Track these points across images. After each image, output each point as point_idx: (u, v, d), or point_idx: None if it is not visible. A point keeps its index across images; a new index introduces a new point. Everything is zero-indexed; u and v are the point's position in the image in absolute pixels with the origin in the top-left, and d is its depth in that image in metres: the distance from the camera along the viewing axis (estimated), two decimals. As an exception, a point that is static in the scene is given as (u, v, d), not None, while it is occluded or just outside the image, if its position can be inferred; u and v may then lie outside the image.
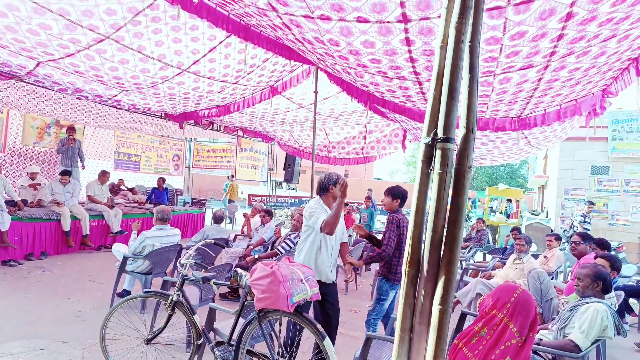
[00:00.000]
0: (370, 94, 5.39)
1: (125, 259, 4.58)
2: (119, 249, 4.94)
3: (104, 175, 8.26)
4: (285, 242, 4.96)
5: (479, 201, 22.96)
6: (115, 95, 6.62)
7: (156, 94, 6.51)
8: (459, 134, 1.16)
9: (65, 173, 7.45)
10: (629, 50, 3.61)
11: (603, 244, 5.14)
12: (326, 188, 3.46)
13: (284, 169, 12.63)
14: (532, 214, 14.27)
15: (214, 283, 2.80)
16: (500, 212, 14.60)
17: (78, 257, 7.05)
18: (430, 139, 1.15)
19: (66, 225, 6.95)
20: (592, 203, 9.50)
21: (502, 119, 5.63)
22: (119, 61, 5.06)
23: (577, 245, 4.94)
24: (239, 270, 2.72)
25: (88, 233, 7.45)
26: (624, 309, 5.59)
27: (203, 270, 3.27)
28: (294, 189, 25.25)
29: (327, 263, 3.31)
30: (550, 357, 2.74)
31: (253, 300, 2.52)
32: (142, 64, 5.17)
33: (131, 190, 11.08)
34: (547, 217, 13.33)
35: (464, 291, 4.86)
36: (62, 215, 6.91)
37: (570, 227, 9.50)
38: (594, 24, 2.94)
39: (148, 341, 3.00)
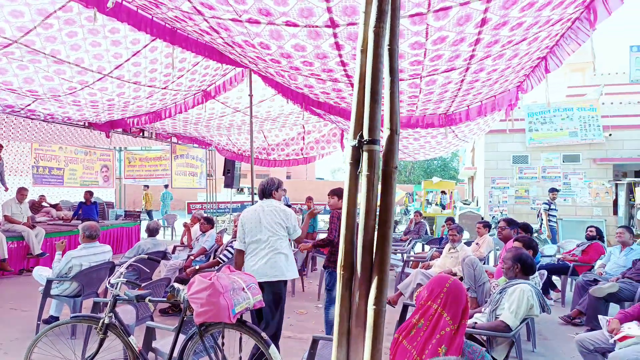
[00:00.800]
0: (306, 95, 5.42)
1: (49, 282, 4.21)
2: (41, 273, 4.52)
3: (21, 193, 7.54)
4: (227, 250, 4.83)
5: (417, 194, 24.03)
6: (29, 105, 6.07)
7: (76, 102, 6.05)
8: (383, 135, 1.19)
9: (-25, 193, 6.70)
10: (538, 50, 3.95)
11: (526, 228, 5.58)
12: (269, 193, 3.59)
13: (223, 174, 12.32)
14: (464, 204, 15.17)
15: (150, 300, 2.65)
16: (436, 204, 15.37)
17: (-5, 284, 6.37)
18: (356, 141, 1.17)
19: (-21, 250, 6.26)
20: (555, 190, 9.23)
21: (431, 115, 5.91)
22: (29, 61, 4.62)
23: (502, 230, 5.34)
24: (176, 284, 2.60)
25: (6, 257, 6.76)
26: (548, 286, 6.12)
27: (137, 288, 3.08)
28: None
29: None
30: (484, 338, 2.91)
31: (192, 314, 2.41)
32: (57, 65, 4.77)
33: (55, 206, 10.23)
34: (477, 205, 14.24)
35: (405, 283, 5.04)
36: (-27, 240, 6.21)
37: (538, 216, 9.54)
38: (506, 28, 3.17)
39: (79, 370, 2.77)
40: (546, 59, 4.19)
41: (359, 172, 1.16)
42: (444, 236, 9.00)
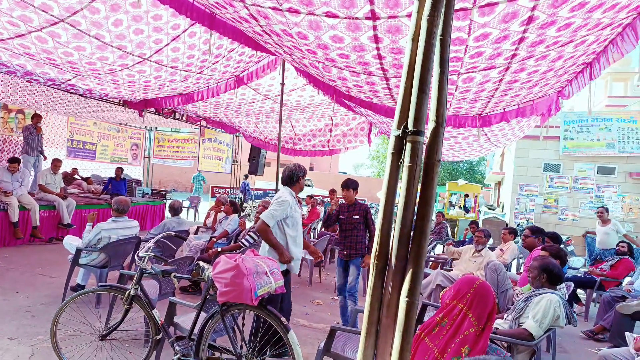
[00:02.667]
0: (337, 88, 5.39)
1: (78, 251, 4.36)
2: (71, 242, 4.69)
3: (55, 164, 7.82)
4: (250, 235, 4.89)
5: (440, 196, 23.69)
6: (69, 80, 6.27)
7: (114, 80, 6.22)
8: (428, 127, 1.17)
9: (14, 160, 6.98)
10: (584, 55, 3.80)
11: (555, 237, 5.43)
12: (296, 179, 3.53)
13: (248, 161, 12.46)
14: (489, 209, 14.86)
15: (175, 276, 2.72)
16: (460, 207, 15.10)
17: (27, 249, 6.65)
18: (400, 131, 1.15)
19: (14, 215, 6.54)
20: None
21: (464, 116, 5.79)
22: (74, 47, 4.79)
23: (525, 238, 5.23)
24: (202, 263, 2.65)
25: (38, 224, 7.04)
26: (572, 299, 5.96)
27: (163, 263, 3.16)
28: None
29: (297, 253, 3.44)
30: (505, 345, 2.86)
31: (215, 293, 2.46)
32: (99, 52, 4.92)
33: (86, 180, 10.57)
34: (502, 211, 13.92)
35: (424, 283, 4.98)
36: (10, 205, 6.48)
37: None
38: (553, 28, 3.06)
39: (103, 337, 2.87)
40: (592, 64, 4.03)
41: (401, 163, 1.15)
42: (466, 239, 8.85)
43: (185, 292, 5.07)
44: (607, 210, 7.68)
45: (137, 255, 2.85)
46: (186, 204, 12.96)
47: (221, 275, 2.40)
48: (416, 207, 1.13)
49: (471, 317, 1.60)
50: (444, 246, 9.10)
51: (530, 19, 2.91)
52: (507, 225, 10.74)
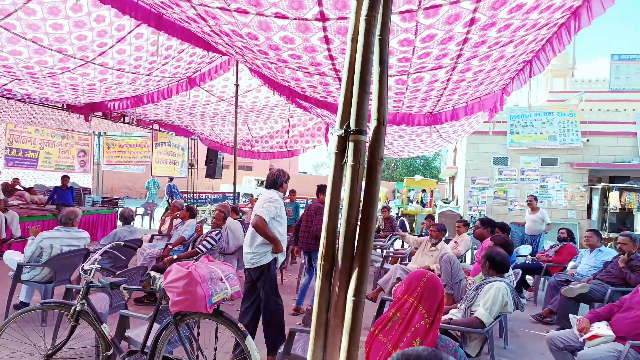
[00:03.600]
0: (292, 88, 5.37)
1: (20, 267, 4.08)
2: (12, 257, 4.38)
3: (-7, 175, 7.28)
4: (207, 240, 4.78)
5: (398, 192, 24.23)
6: (5, 84, 5.85)
7: (55, 84, 5.87)
8: (370, 126, 1.18)
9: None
10: (524, 54, 4.00)
11: (503, 227, 5.70)
12: (280, 183, 3.75)
13: (205, 164, 12.17)
14: (444, 202, 15.37)
15: (125, 288, 2.60)
16: (417, 202, 15.53)
17: (-37, 268, 6.13)
18: (343, 131, 1.15)
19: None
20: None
21: (417, 114, 5.95)
22: (9, 52, 4.49)
23: (476, 229, 5.47)
24: (152, 272, 2.55)
25: (-25, 240, 6.53)
26: (521, 285, 6.27)
27: (112, 275, 3.02)
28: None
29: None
30: (459, 334, 2.96)
31: (168, 303, 2.37)
32: (37, 56, 4.64)
33: (29, 190, 9.91)
34: (457, 204, 14.44)
35: (385, 278, 5.07)
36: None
37: None
38: (494, 29, 3.20)
39: (48, 357, 2.69)
40: (531, 62, 4.24)
41: (344, 162, 1.15)
42: (423, 233, 9.09)
43: (141, 303, 4.87)
44: (535, 198, 8.23)
45: (82, 269, 2.70)
46: (140, 211, 12.47)
47: (173, 284, 2.32)
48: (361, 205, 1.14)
49: (422, 310, 1.63)
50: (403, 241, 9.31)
51: (473, 21, 3.02)
52: (461, 217, 11.15)
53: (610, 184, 10.72)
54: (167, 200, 13.56)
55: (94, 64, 5.11)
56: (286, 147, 10.80)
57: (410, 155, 10.42)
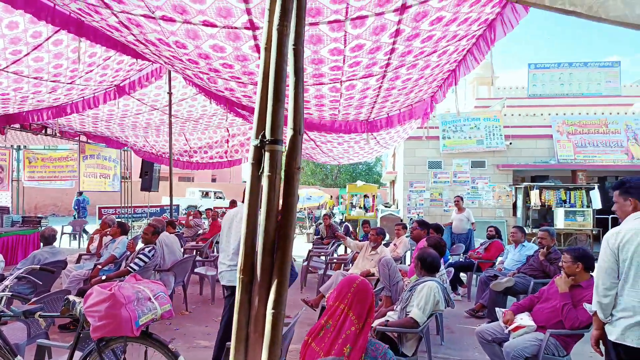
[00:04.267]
0: (228, 98, 5.28)
1: None
2: None
3: None
4: (139, 258, 4.52)
5: (342, 197, 24.61)
6: None
7: (-40, 93, 5.31)
8: (287, 136, 1.17)
9: None
10: (448, 63, 4.25)
11: (437, 228, 5.96)
12: None
13: (140, 177, 11.58)
14: (385, 206, 15.84)
15: (40, 316, 2.37)
16: (360, 207, 15.85)
17: None
18: (258, 141, 1.14)
19: None
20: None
21: (353, 121, 6.09)
22: None
23: (413, 230, 5.69)
24: (71, 297, 2.35)
25: None
26: (456, 283, 6.59)
27: (31, 301, 2.76)
28: (220, 197, 23.31)
29: None
30: (396, 335, 3.04)
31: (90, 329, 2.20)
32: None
33: None
34: (397, 208, 14.94)
35: (327, 285, 5.09)
36: None
37: None
38: (418, 40, 3.36)
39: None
40: (455, 71, 4.51)
41: (261, 173, 1.13)
42: (359, 238, 9.26)
43: (66, 330, 4.49)
44: (462, 199, 8.79)
45: (-10, 297, 2.44)
46: (68, 229, 11.58)
47: (94, 308, 2.15)
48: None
49: (352, 317, 1.65)
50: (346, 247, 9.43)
51: (398, 32, 3.16)
52: (401, 220, 11.54)
53: (532, 183, 11.64)
54: (74, 216, 12.78)
55: (7, 72, 4.69)
56: (226, 157, 10.58)
57: (351, 162, 10.63)
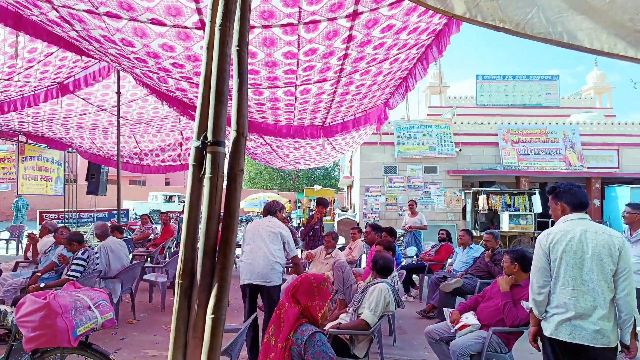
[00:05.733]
0: (180, 99, 5.14)
1: None
2: None
3: None
4: (75, 263, 4.27)
5: (299, 202, 24.62)
6: None
7: None
8: (230, 137, 1.16)
9: None
10: (399, 71, 4.38)
11: (391, 232, 6.10)
12: (273, 212, 4.20)
13: (86, 180, 11.00)
14: (342, 210, 16.01)
15: (-35, 329, 2.19)
16: (317, 211, 15.89)
17: None
18: (200, 142, 1.12)
19: None
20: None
21: (309, 126, 6.13)
22: None
23: (367, 234, 5.78)
24: (2, 307, 2.19)
25: None
26: (409, 284, 6.77)
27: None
28: (184, 202, 22.42)
29: None
30: (348, 337, 3.07)
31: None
32: None
33: None
34: (354, 212, 15.15)
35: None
36: None
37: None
38: (370, 46, 3.44)
39: None
40: (407, 79, 4.65)
41: (202, 175, 1.11)
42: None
43: (1, 342, 4.17)
44: (415, 203, 9.10)
45: None
46: (6, 235, 10.76)
47: (27, 318, 2.02)
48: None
49: (285, 304, 1.67)
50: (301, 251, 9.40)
51: (350, 38, 3.22)
52: (357, 224, 11.70)
53: (480, 189, 12.22)
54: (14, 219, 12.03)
55: None
56: (179, 161, 10.27)
57: (307, 167, 10.67)
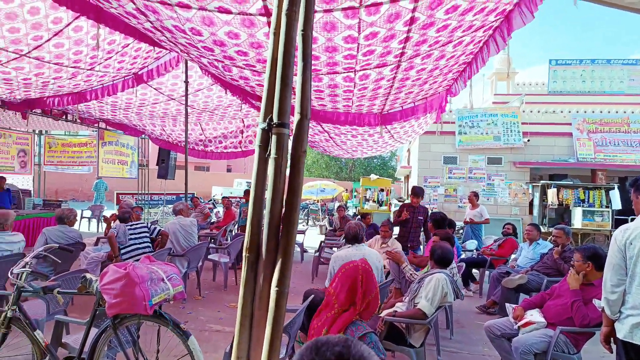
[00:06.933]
0: (243, 88, 5.31)
1: (-57, 275, 3.77)
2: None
3: None
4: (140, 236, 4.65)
5: (356, 191, 24.60)
6: None
7: (-15, 78, 5.48)
8: (294, 120, 1.20)
9: None
10: (463, 55, 4.19)
11: (451, 224, 5.94)
12: (360, 238, 4.02)
13: (157, 165, 11.77)
14: (399, 201, 15.77)
15: (58, 292, 2.47)
16: (373, 201, 15.82)
17: None
18: (266, 124, 1.16)
19: None
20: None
21: (367, 114, 6.07)
22: None
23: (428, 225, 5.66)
24: (88, 275, 2.44)
25: None
26: (468, 278, 6.56)
27: (50, 279, 2.87)
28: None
29: None
30: (404, 326, 3.05)
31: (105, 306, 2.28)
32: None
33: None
34: (411, 203, 14.86)
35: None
36: None
37: None
38: (433, 29, 3.32)
39: (-26, 369, 2.51)
40: (471, 64, 4.44)
41: (268, 155, 1.16)
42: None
43: None
44: (476, 195, 8.68)
45: (11, 272, 2.54)
46: (87, 214, 11.88)
47: (110, 286, 2.23)
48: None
49: (334, 301, 1.67)
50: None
51: (412, 20, 3.13)
52: (389, 221, 11.43)
53: (549, 182, 11.43)
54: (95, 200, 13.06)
55: (29, 57, 4.82)
56: (240, 148, 10.66)
57: (364, 155, 10.60)
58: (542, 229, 8.48)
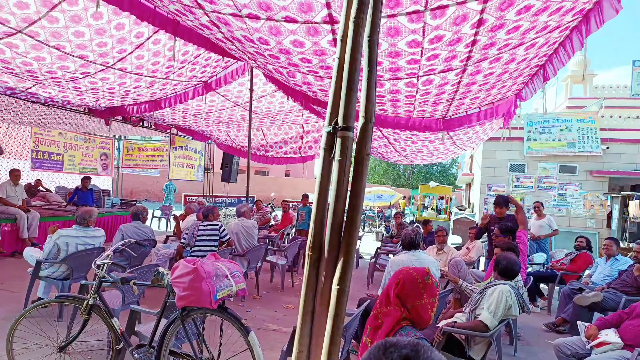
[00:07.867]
0: (304, 93, 5.45)
1: (38, 263, 4.24)
2: (32, 254, 4.55)
3: (14, 174, 7.52)
4: (184, 237, 4.90)
5: (414, 198, 24.07)
6: (29, 88, 6.11)
7: (76, 87, 6.10)
8: (358, 123, 1.22)
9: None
10: (536, 57, 3.98)
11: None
12: (417, 244, 3.87)
13: (221, 168, 12.36)
14: (459, 209, 15.20)
15: (134, 284, 2.69)
16: (432, 209, 15.39)
17: (-14, 264, 6.39)
18: (331, 127, 1.20)
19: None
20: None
21: (429, 119, 5.95)
22: (33, 58, 4.72)
23: (495, 237, 5.37)
24: (161, 268, 2.63)
25: (-1, 238, 6.79)
26: (535, 293, 6.16)
27: (126, 271, 3.13)
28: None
29: None
30: (463, 337, 2.95)
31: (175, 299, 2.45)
32: (60, 61, 4.87)
33: (49, 191, 10.25)
34: (472, 211, 14.27)
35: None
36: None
37: None
38: (502, 31, 3.20)
39: (61, 349, 2.80)
40: (545, 66, 4.20)
41: (332, 158, 1.20)
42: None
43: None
44: (542, 204, 8.12)
45: (94, 264, 2.80)
46: (158, 213, 12.74)
47: (179, 279, 2.39)
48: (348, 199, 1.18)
49: (381, 310, 1.64)
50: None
51: (480, 22, 3.04)
52: (476, 225, 10.99)
53: (631, 193, 10.43)
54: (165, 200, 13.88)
55: (114, 68, 5.30)
56: (300, 153, 10.89)
57: (424, 162, 10.36)
58: (622, 244, 7.76)
